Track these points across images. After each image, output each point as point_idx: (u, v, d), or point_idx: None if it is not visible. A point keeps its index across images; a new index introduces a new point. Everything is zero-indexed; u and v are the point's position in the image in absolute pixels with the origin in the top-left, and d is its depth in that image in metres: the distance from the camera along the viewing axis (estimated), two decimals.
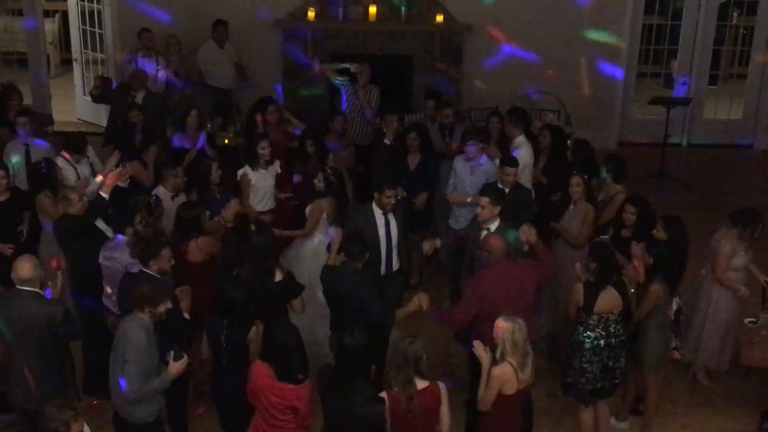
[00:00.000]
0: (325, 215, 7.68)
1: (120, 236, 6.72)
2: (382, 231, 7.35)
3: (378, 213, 7.37)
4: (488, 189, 7.35)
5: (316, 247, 7.70)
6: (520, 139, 8.76)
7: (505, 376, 5.51)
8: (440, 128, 9.45)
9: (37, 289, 5.95)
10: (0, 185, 7.66)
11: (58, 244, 7.06)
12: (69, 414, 5.05)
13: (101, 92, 10.55)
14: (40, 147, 8.73)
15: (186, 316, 6.17)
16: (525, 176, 8.46)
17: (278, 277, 6.46)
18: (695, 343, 7.50)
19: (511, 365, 5.50)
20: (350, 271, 6.44)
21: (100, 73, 11.97)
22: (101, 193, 7.06)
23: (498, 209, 7.08)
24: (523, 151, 8.59)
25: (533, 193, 8.36)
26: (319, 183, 7.75)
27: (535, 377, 5.76)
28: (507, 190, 7.69)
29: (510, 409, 5.66)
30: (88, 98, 12.49)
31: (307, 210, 7.80)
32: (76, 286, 7.02)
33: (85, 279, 6.95)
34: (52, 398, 5.42)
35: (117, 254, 6.61)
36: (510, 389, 5.53)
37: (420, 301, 6.39)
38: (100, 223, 7.21)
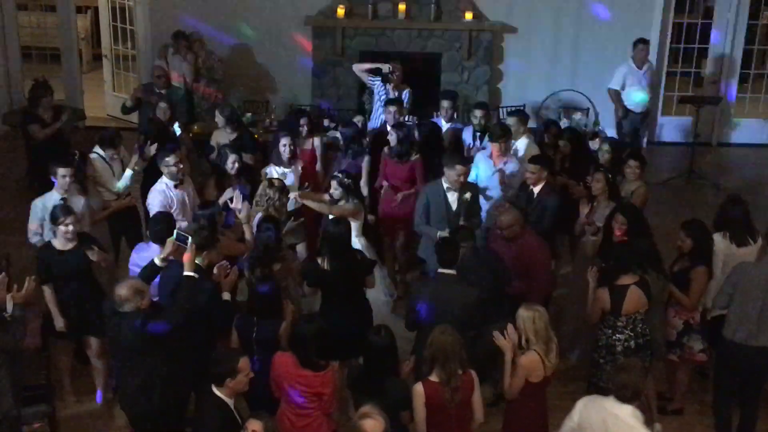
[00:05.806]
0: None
1: (152, 244, 6.55)
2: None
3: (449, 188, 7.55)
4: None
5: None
6: (523, 139, 8.61)
7: (532, 365, 5.52)
8: (474, 130, 9.11)
9: None
10: (67, 233, 6.55)
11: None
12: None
13: (133, 106, 10.40)
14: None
15: (226, 296, 6.07)
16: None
17: None
18: None
19: (538, 353, 5.52)
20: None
21: (131, 75, 11.91)
22: None
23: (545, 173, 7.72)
24: (522, 153, 8.44)
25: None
26: (335, 190, 7.52)
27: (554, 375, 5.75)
28: (535, 191, 7.68)
29: (535, 395, 5.66)
30: (117, 95, 12.64)
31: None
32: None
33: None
34: None
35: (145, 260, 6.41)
36: (537, 377, 5.55)
37: None
38: None
